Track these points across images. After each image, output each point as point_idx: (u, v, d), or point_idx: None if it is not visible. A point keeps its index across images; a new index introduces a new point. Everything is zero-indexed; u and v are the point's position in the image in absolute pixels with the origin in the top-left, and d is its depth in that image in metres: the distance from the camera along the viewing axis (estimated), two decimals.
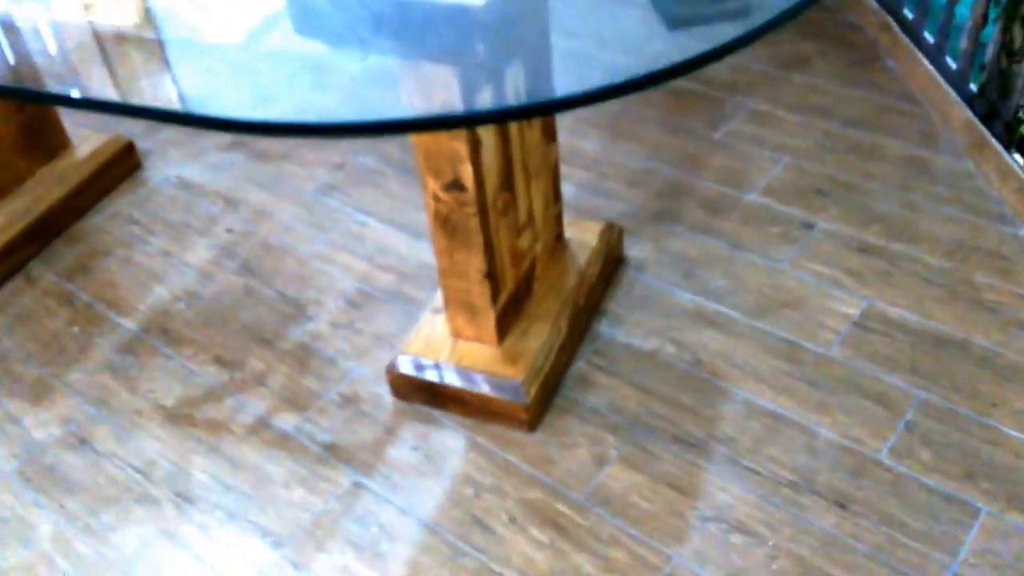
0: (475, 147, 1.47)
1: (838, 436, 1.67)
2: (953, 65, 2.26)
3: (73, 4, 1.62)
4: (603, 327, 1.91)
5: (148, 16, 1.55)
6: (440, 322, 1.80)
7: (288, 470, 1.71)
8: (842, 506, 1.56)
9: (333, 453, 1.74)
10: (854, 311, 1.88)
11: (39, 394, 1.89)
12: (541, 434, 1.72)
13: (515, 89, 1.17)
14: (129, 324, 2.03)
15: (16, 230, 2.13)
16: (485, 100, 1.18)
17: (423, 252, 2.13)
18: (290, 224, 2.25)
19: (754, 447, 1.66)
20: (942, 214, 2.08)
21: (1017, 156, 2.05)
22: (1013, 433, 1.64)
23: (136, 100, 1.36)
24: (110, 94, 1.41)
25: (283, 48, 1.38)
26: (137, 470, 1.74)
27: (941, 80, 2.31)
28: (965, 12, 2.20)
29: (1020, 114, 2.02)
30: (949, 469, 1.60)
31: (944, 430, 1.66)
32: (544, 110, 1.21)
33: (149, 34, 1.52)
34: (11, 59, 1.57)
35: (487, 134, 1.50)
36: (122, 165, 2.38)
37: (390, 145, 2.48)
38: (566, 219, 1.98)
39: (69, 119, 2.39)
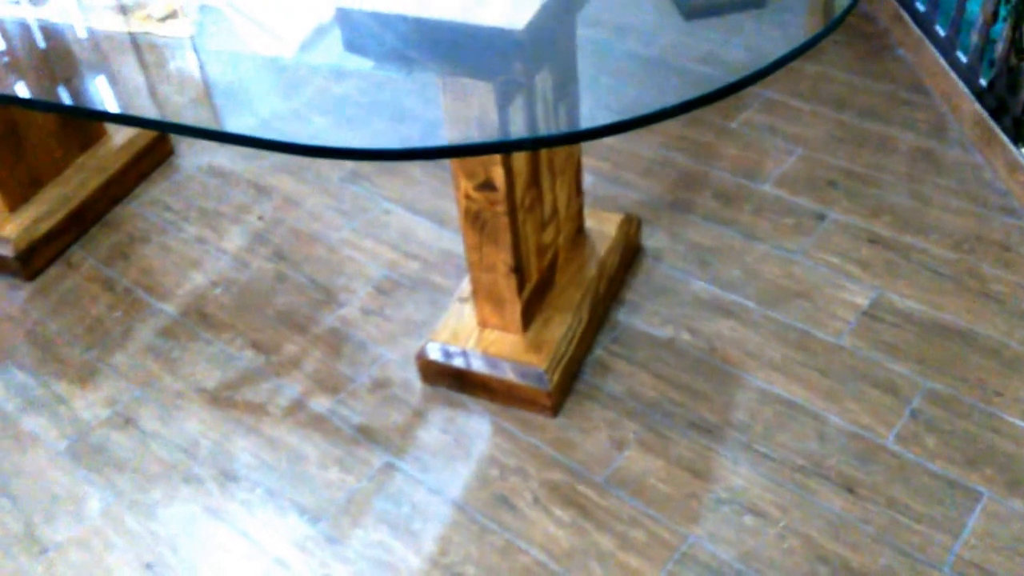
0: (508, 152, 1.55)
1: (847, 423, 1.75)
2: (963, 59, 2.32)
3: (122, 15, 1.69)
4: (621, 315, 1.99)
5: (198, 27, 1.62)
6: (467, 311, 1.88)
7: (323, 450, 1.81)
8: (850, 490, 1.65)
9: (365, 434, 1.83)
10: (864, 301, 1.96)
11: (85, 376, 1.99)
12: (563, 419, 1.81)
13: (552, 115, 1.24)
14: (168, 309, 2.12)
15: (58, 217, 2.22)
16: (521, 125, 1.25)
17: (445, 240, 2.21)
18: (318, 211, 2.32)
19: (766, 433, 1.75)
20: (951, 206, 2.15)
21: None
22: (1015, 421, 1.72)
23: (190, 119, 1.43)
24: (145, 106, 1.48)
25: (331, 63, 1.45)
26: (181, 449, 1.83)
27: (951, 73, 2.37)
28: (976, 8, 2.25)
29: None
30: (953, 455, 1.68)
31: (949, 418, 1.74)
32: (577, 138, 1.28)
33: (194, 43, 1.59)
34: (56, 70, 1.64)
35: None
36: (156, 153, 2.46)
37: (412, 132, 2.55)
38: (585, 209, 2.05)
39: None
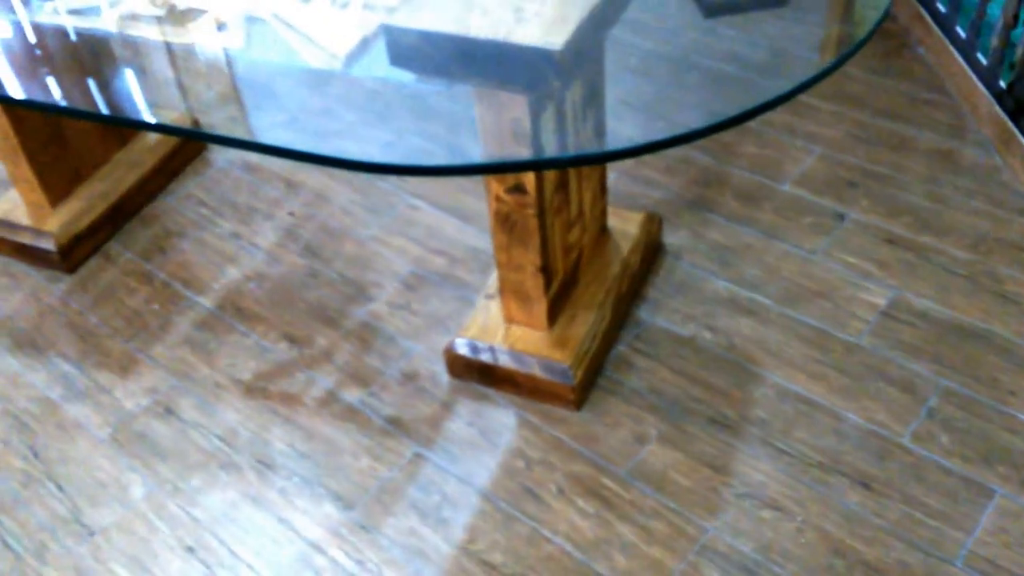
0: None
1: (864, 420, 1.80)
2: (984, 61, 2.35)
3: (169, 26, 1.75)
4: (643, 313, 2.04)
5: (245, 38, 1.67)
6: (494, 308, 1.94)
7: (355, 441, 1.88)
8: (866, 486, 1.71)
9: (396, 426, 1.89)
10: (882, 301, 2.01)
11: (126, 367, 2.06)
12: (586, 413, 1.87)
13: (585, 134, 1.29)
14: (205, 302, 2.19)
15: (97, 212, 2.29)
16: (553, 142, 1.30)
17: (471, 236, 2.27)
18: (347, 207, 2.39)
19: (785, 429, 1.80)
20: (969, 207, 2.19)
21: None
22: None
23: (236, 131, 1.49)
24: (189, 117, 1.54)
25: (377, 76, 1.51)
26: (220, 438, 1.91)
27: (971, 74, 2.40)
28: (996, 12, 2.28)
29: None
30: (967, 453, 1.73)
31: (964, 416, 1.79)
32: (610, 158, 1.33)
33: (242, 55, 1.65)
34: (104, 80, 1.70)
35: None
36: (189, 148, 2.52)
37: (436, 125, 2.60)
38: (608, 208, 2.11)
39: None
